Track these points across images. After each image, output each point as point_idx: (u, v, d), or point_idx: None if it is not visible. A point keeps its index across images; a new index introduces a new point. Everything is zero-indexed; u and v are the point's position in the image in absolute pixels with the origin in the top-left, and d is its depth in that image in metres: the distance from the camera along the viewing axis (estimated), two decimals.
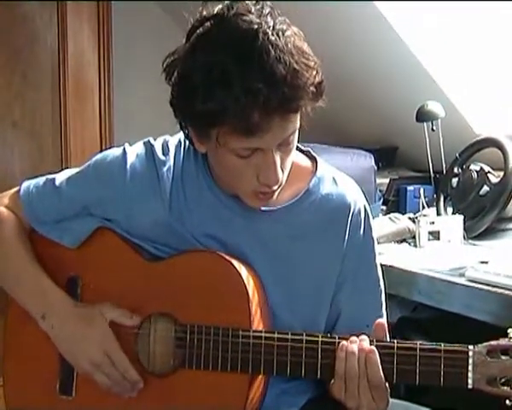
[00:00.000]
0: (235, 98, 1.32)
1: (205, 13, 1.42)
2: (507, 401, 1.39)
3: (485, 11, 3.06)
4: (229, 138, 1.38)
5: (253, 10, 1.39)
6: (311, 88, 1.39)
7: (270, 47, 1.34)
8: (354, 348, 1.44)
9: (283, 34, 1.37)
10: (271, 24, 1.37)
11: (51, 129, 3.63)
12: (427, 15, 2.99)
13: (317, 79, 1.40)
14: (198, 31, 1.41)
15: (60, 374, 1.61)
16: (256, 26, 1.35)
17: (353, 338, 1.46)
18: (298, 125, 1.43)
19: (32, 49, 3.57)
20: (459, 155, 2.80)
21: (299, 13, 1.44)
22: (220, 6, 1.41)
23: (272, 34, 1.35)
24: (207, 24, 1.40)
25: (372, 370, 1.42)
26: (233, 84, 1.32)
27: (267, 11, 1.40)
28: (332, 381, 1.47)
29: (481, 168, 2.67)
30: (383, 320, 1.51)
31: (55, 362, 1.61)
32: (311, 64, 1.39)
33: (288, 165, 1.49)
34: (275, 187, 1.47)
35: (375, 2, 2.93)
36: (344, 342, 1.45)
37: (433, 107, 2.91)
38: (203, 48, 1.38)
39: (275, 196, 1.51)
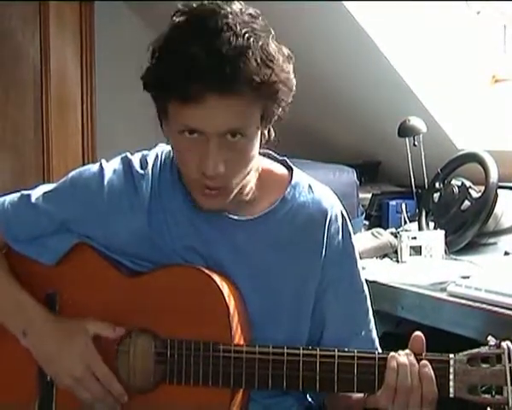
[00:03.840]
0: (177, 63, 1.37)
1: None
2: (488, 409, 1.40)
3: (467, 27, 3.09)
4: (174, 109, 1.42)
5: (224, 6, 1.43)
6: (256, 78, 1.38)
7: (226, 27, 1.38)
8: (405, 359, 1.43)
9: (247, 25, 1.40)
10: (237, 13, 1.41)
11: (33, 145, 3.62)
12: (410, 31, 3.02)
13: (272, 78, 1.41)
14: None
15: (39, 393, 1.59)
16: (218, 10, 1.40)
17: (401, 352, 1.45)
18: (247, 125, 1.43)
19: (15, 66, 3.56)
20: (441, 170, 2.81)
21: (282, 28, 1.45)
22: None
23: (233, 20, 1.39)
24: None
25: (428, 384, 1.41)
26: (178, 51, 1.38)
27: (235, 7, 1.43)
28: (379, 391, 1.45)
29: (463, 183, 2.68)
30: (420, 333, 1.48)
31: (34, 380, 1.58)
32: (269, 64, 1.40)
33: (238, 170, 1.47)
34: (215, 182, 1.46)
35: (357, 19, 2.95)
36: (393, 353, 1.45)
37: (415, 122, 2.93)
38: (170, 31, 1.43)
39: (226, 199, 1.50)
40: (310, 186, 1.64)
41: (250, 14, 1.43)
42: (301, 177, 1.65)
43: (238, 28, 1.38)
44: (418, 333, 1.47)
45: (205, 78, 1.36)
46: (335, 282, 1.61)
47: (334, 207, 1.64)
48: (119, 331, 1.53)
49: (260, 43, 1.40)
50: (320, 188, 1.66)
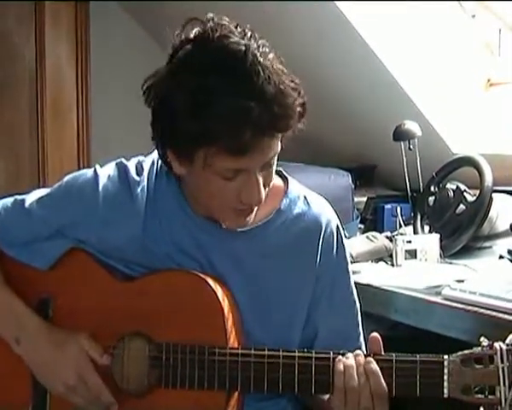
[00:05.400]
0: (227, 117, 1.33)
1: (184, 36, 1.42)
2: (481, 409, 1.42)
3: (462, 31, 3.10)
4: (217, 159, 1.38)
5: (236, 33, 1.40)
6: (298, 108, 1.41)
7: (260, 67, 1.36)
8: (351, 361, 1.44)
9: (267, 56, 1.39)
10: (256, 46, 1.39)
11: (28, 147, 3.61)
12: (405, 35, 3.02)
13: (301, 100, 1.42)
14: (179, 53, 1.41)
15: (32, 398, 1.58)
16: (244, 47, 1.37)
17: (349, 354, 1.46)
18: (280, 146, 1.45)
19: (10, 67, 3.55)
20: (436, 174, 2.81)
21: (277, 32, 1.45)
22: (199, 29, 1.41)
23: (260, 55, 1.37)
24: (188, 46, 1.40)
25: (374, 379, 1.43)
26: (224, 104, 1.33)
27: (249, 34, 1.41)
28: (328, 395, 1.48)
29: (458, 187, 2.69)
30: (376, 334, 1.49)
31: (28, 386, 1.58)
32: (294, 86, 1.41)
33: (269, 184, 1.49)
34: (256, 206, 1.48)
35: (353, 23, 2.95)
36: (340, 356, 1.45)
37: (411, 126, 2.93)
38: (188, 69, 1.38)
39: (253, 216, 1.51)
40: (305, 199, 1.64)
41: (255, 38, 1.42)
42: (297, 188, 1.65)
43: (268, 64, 1.37)
44: (374, 334, 1.49)
45: (258, 127, 1.34)
46: (328, 295, 1.62)
47: (329, 221, 1.63)
48: (105, 359, 1.52)
49: (281, 68, 1.40)
50: (316, 201, 1.65)
